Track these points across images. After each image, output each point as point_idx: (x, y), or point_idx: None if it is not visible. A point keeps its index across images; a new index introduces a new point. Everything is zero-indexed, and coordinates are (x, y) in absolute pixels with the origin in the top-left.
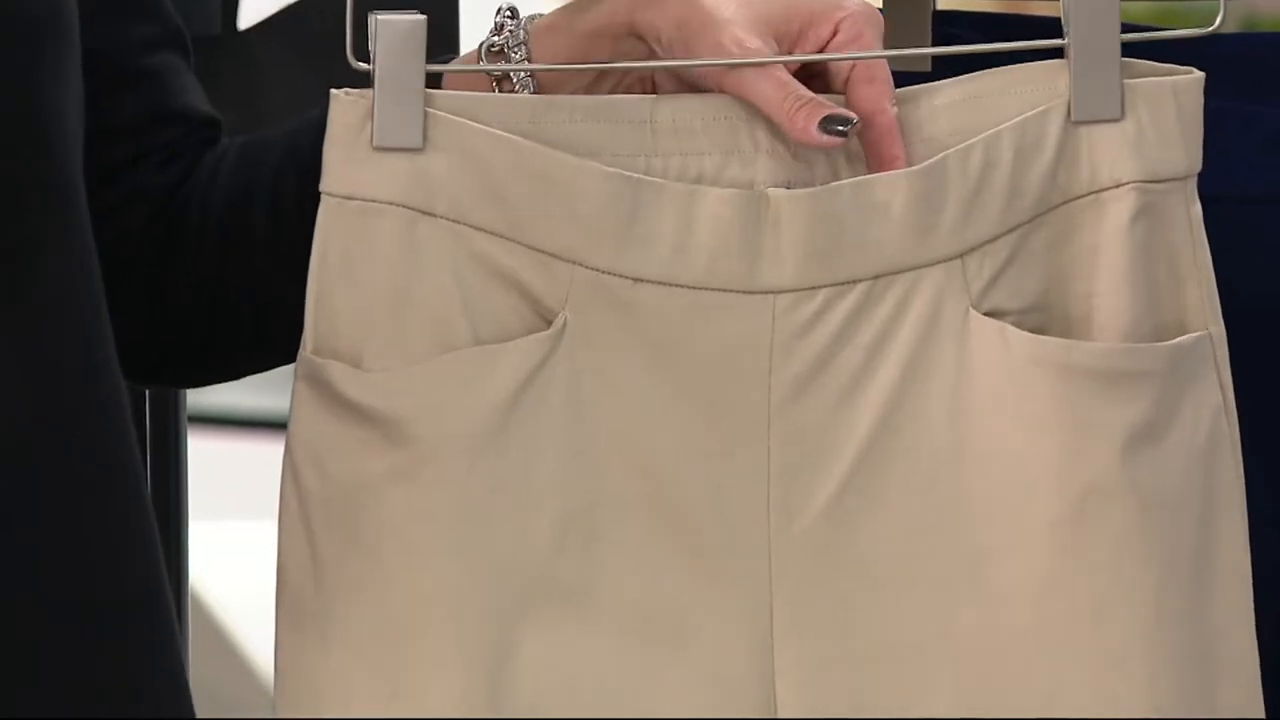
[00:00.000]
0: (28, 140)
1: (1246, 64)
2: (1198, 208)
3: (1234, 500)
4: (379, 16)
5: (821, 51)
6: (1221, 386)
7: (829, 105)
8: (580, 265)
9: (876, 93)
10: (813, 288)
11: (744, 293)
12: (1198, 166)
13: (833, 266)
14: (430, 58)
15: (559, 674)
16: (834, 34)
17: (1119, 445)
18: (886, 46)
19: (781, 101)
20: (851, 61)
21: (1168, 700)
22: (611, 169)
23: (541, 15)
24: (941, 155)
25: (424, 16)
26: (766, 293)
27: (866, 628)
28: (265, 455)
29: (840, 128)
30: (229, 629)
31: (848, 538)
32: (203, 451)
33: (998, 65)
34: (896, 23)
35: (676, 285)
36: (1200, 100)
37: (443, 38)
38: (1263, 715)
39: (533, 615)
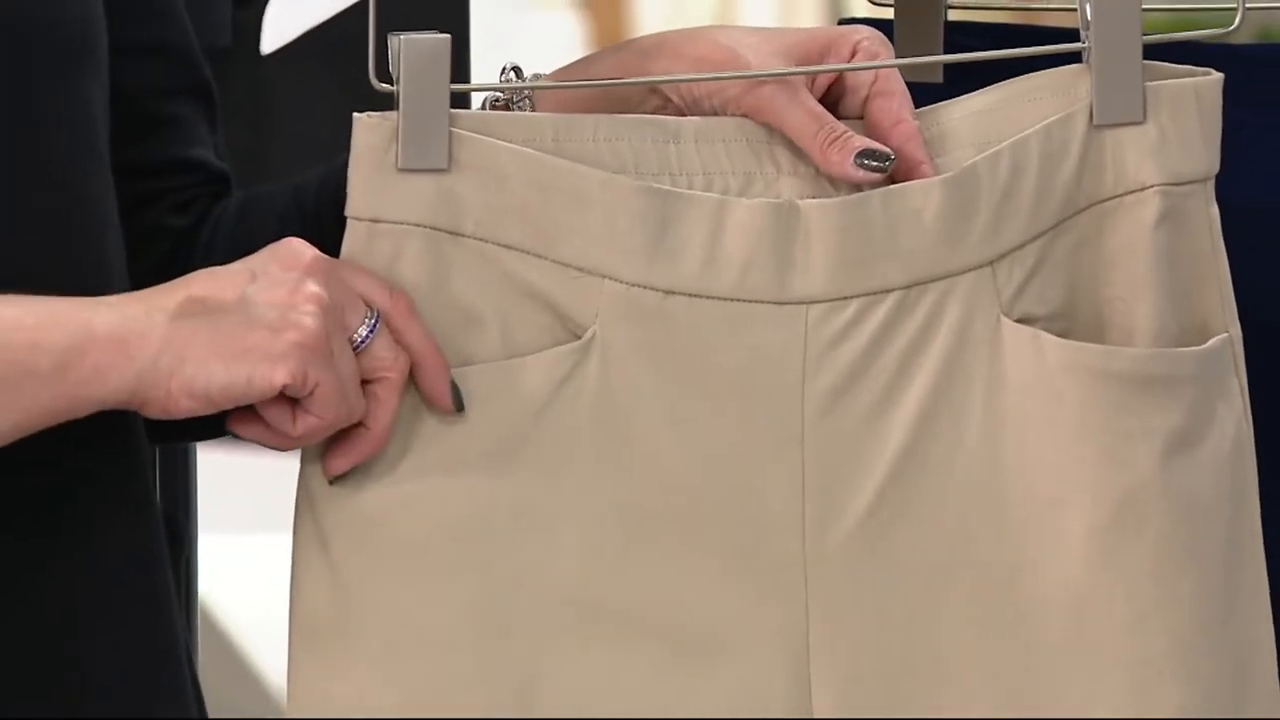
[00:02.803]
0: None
1: (1263, 74)
2: (1216, 209)
3: (1255, 505)
4: (402, 37)
5: (843, 77)
6: (1241, 389)
7: (862, 139)
8: (610, 279)
9: (895, 104)
10: (845, 298)
11: (776, 304)
12: (1216, 168)
13: (865, 276)
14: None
15: (588, 689)
16: (852, 56)
17: (1158, 452)
18: (898, 56)
19: (815, 134)
20: (870, 80)
21: (1202, 706)
22: (640, 182)
23: (544, 75)
24: (971, 162)
25: (448, 36)
26: (799, 303)
27: (902, 639)
28: (274, 469)
29: (876, 163)
30: (238, 641)
31: (882, 550)
32: (212, 465)
33: (1011, 74)
34: (908, 33)
35: (708, 297)
36: (1220, 102)
37: (454, 60)
38: None
39: (562, 630)
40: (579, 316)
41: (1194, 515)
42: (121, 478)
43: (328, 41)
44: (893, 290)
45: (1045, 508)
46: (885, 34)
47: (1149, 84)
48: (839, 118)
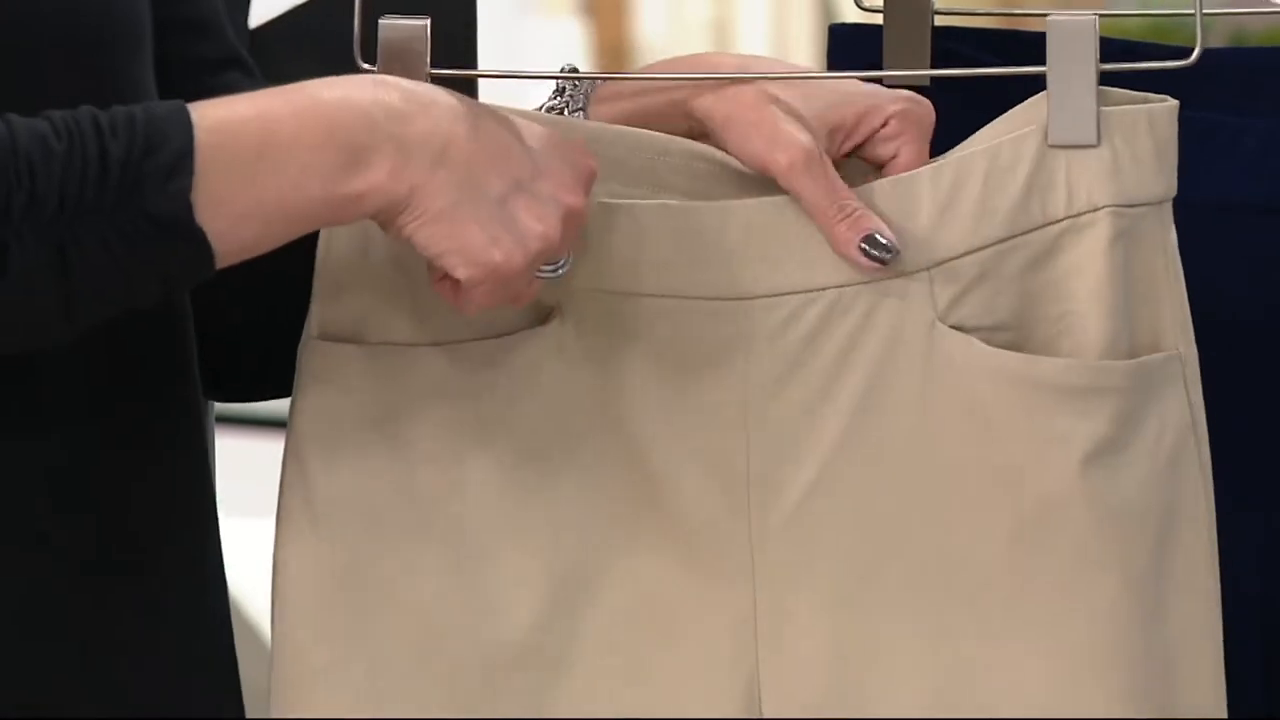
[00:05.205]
0: None
1: (1237, 77)
2: (1173, 232)
3: (1198, 515)
4: (382, 20)
5: (869, 140)
6: (1191, 406)
7: (872, 219)
8: (574, 285)
9: (914, 154)
10: (784, 294)
11: (721, 299)
12: (1173, 191)
13: (803, 273)
14: (448, 65)
15: (552, 660)
16: (883, 125)
17: (1078, 458)
18: (888, 63)
19: (828, 207)
20: (894, 152)
21: (1122, 701)
22: (600, 201)
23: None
24: (914, 172)
25: (427, 21)
26: (741, 299)
27: (840, 624)
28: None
29: (877, 253)
30: (255, 622)
31: (819, 536)
32: (231, 450)
33: (990, 83)
34: (896, 38)
35: (659, 296)
36: (1175, 126)
37: (460, 46)
38: None
39: (526, 601)
40: (546, 300)
41: (1116, 521)
42: (187, 481)
43: (310, 25)
44: (828, 289)
45: (971, 505)
46: (874, 39)
47: (1104, 109)
48: (863, 158)
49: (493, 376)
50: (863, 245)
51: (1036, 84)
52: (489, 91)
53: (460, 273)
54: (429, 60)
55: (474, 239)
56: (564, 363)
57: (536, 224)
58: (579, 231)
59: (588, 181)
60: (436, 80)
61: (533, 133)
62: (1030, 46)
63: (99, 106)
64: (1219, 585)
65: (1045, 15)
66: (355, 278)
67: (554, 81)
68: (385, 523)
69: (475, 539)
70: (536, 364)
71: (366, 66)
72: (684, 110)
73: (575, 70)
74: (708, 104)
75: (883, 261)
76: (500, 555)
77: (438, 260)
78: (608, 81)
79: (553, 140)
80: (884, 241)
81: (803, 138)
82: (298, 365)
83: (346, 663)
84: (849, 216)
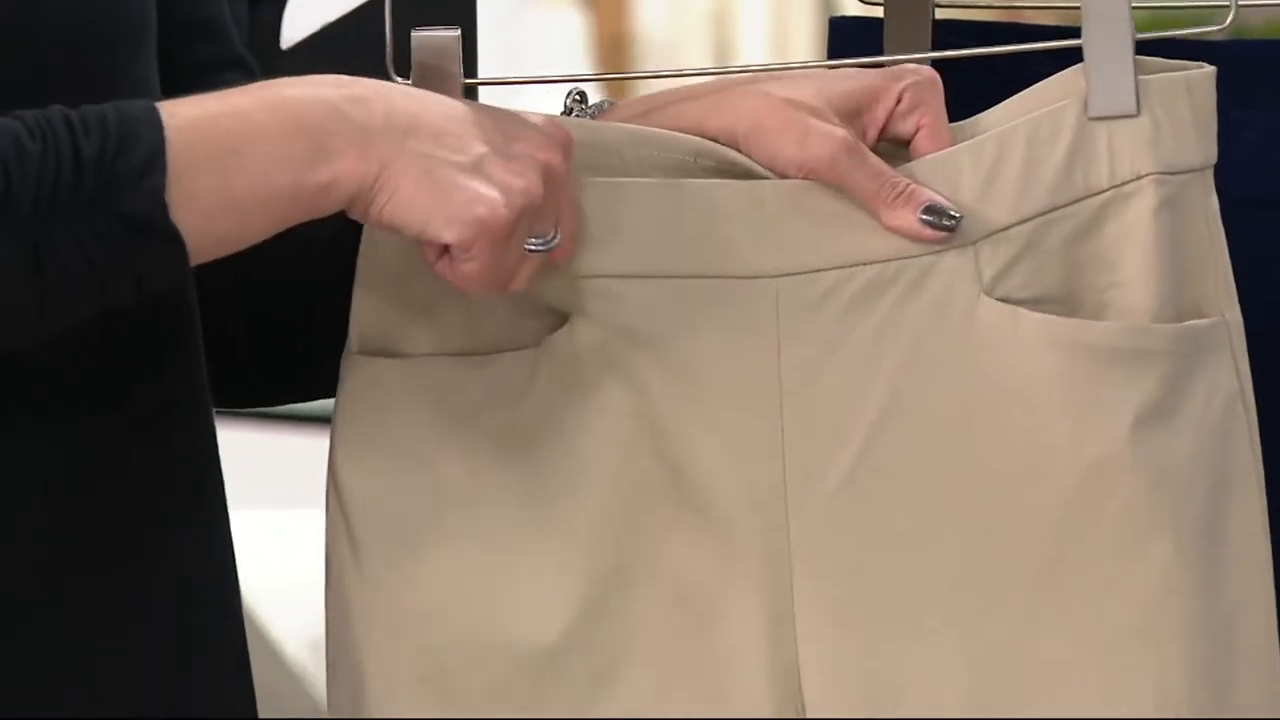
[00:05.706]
0: None
1: (1236, 70)
2: (1214, 198)
3: (1249, 483)
4: (413, 33)
5: (889, 121)
6: (1238, 373)
7: (925, 191)
8: (584, 273)
9: (937, 133)
10: (819, 270)
11: (748, 278)
12: (1214, 158)
13: (840, 249)
14: None
15: (599, 648)
16: (898, 102)
17: (1128, 422)
18: (887, 54)
19: (878, 190)
20: (915, 125)
21: (1177, 672)
22: (590, 179)
23: (612, 104)
24: (954, 148)
25: (458, 31)
26: (771, 277)
27: (882, 602)
28: (289, 447)
29: (946, 222)
30: (255, 613)
31: (861, 514)
32: (231, 443)
33: (1001, 71)
34: (897, 31)
35: (677, 277)
36: (1213, 93)
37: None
38: None
39: (561, 602)
40: (563, 307)
41: (1166, 486)
42: (189, 476)
43: (342, 38)
44: (871, 264)
45: (1018, 476)
46: (875, 32)
47: (1141, 78)
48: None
49: (526, 383)
50: (924, 217)
51: (1036, 76)
52: (491, 92)
53: (448, 235)
54: (462, 70)
55: (454, 200)
56: (593, 360)
57: (517, 179)
58: (563, 196)
59: (564, 145)
60: (470, 89)
61: (501, 109)
62: (1030, 39)
63: (100, 105)
64: (1271, 557)
65: (1046, 8)
66: (393, 293)
67: (565, 87)
68: (424, 529)
69: (512, 542)
70: (567, 366)
71: (399, 79)
72: (697, 132)
73: (583, 94)
74: (724, 122)
75: (949, 229)
76: (538, 556)
77: (424, 233)
78: (615, 105)
79: (521, 113)
80: (945, 209)
81: (835, 130)
82: (340, 379)
83: (396, 666)
84: (901, 194)
